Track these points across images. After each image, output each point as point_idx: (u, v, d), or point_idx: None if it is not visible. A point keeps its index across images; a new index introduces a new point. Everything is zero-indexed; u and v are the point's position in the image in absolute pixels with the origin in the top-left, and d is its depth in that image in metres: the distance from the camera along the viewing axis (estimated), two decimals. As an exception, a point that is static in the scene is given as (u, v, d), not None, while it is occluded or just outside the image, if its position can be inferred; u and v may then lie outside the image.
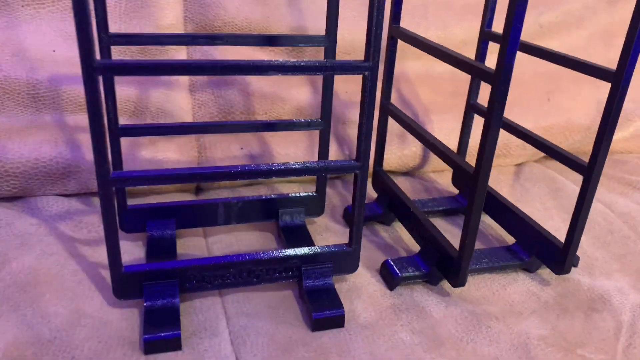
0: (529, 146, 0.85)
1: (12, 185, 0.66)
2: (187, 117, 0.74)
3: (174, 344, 0.46)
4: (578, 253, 0.63)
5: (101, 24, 0.51)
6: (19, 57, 0.67)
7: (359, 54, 0.80)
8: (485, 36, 0.67)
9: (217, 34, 0.60)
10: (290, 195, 0.63)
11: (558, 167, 0.87)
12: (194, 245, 0.61)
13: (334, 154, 0.76)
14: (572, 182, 0.81)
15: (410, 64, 0.82)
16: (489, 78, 0.46)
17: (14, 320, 0.48)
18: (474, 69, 0.48)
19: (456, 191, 0.75)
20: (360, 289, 0.55)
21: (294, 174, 0.48)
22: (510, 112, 0.81)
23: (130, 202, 0.61)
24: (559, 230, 0.69)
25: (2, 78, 0.66)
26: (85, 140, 0.68)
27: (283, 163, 0.47)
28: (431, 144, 0.57)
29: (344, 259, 0.54)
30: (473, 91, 0.70)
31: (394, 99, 0.80)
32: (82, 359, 0.44)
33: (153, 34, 0.65)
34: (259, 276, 0.52)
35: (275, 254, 0.52)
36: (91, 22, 0.39)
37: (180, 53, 0.74)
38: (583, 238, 0.67)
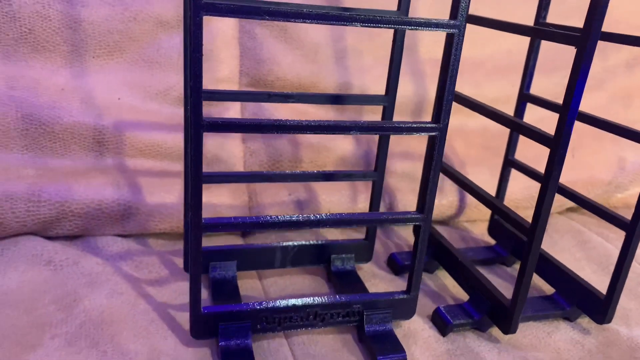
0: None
1: (75, 224, 0.69)
2: (238, 164, 0.78)
3: (250, 383, 0.49)
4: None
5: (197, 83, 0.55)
6: (87, 104, 0.71)
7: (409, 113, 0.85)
8: (524, 98, 0.72)
9: (288, 93, 0.64)
10: (341, 241, 0.67)
11: (581, 219, 0.91)
12: (251, 287, 0.64)
13: (375, 202, 0.80)
14: (596, 234, 0.85)
15: (445, 119, 0.88)
16: (548, 142, 0.50)
17: (94, 357, 0.50)
18: (534, 134, 0.53)
19: (492, 241, 0.79)
20: (416, 335, 0.58)
21: (359, 223, 0.52)
22: (537, 167, 0.87)
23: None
24: (591, 280, 0.72)
25: (71, 123, 0.70)
26: (145, 183, 0.72)
27: (348, 214, 0.51)
28: (483, 197, 0.61)
29: (402, 306, 0.57)
30: (511, 148, 0.75)
31: (430, 151, 0.85)
32: (168, 396, 0.46)
33: (233, 91, 0.71)
34: (324, 319, 0.55)
35: (340, 299, 0.55)
36: (201, 88, 0.43)
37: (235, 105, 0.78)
38: (616, 289, 0.71)
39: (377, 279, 0.68)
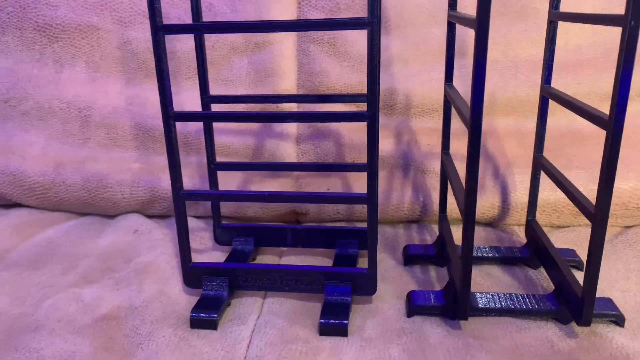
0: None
1: (163, 206, 0.90)
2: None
3: (211, 324, 0.60)
4: (634, 315, 0.60)
5: (203, 88, 0.71)
6: (179, 115, 0.92)
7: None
8: (545, 92, 0.69)
9: (283, 95, 0.76)
10: (345, 227, 0.74)
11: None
12: (268, 261, 0.76)
13: (408, 199, 0.84)
14: (681, 248, 0.73)
15: (500, 119, 0.86)
16: (467, 124, 0.52)
17: (124, 293, 0.68)
18: (462, 115, 0.54)
19: (527, 243, 0.76)
20: (379, 311, 0.63)
21: (305, 201, 0.60)
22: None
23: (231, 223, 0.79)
24: (627, 291, 0.65)
25: (166, 129, 0.91)
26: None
27: (297, 192, 0.60)
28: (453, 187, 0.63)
29: (363, 281, 0.62)
30: (538, 145, 0.72)
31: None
32: (147, 321, 0.61)
33: (237, 95, 0.84)
34: (289, 284, 0.64)
35: (303, 268, 0.63)
36: (169, 87, 0.58)
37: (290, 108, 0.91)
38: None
39: (379, 264, 0.73)
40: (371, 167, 0.57)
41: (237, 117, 0.60)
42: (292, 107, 0.91)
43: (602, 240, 0.52)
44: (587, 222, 0.82)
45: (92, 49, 0.93)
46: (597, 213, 0.52)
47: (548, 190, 0.80)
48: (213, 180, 0.75)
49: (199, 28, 0.56)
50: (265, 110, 0.90)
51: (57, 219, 0.91)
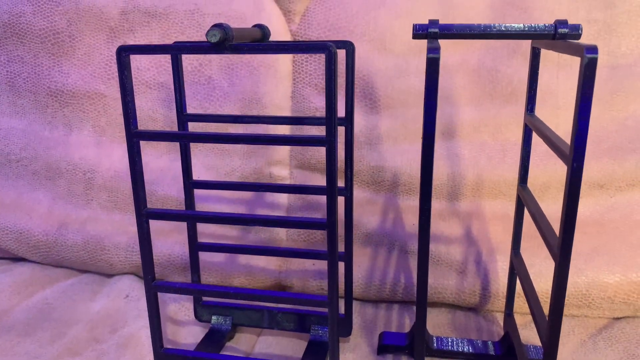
0: (633, 300, 0.78)
1: (155, 271, 0.93)
2: (282, 232, 0.92)
3: (174, 415, 0.63)
4: None
5: (185, 172, 0.74)
6: (175, 180, 0.95)
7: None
8: (519, 192, 0.69)
9: (259, 183, 0.81)
10: (319, 312, 0.75)
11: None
12: (245, 339, 0.77)
13: (390, 280, 0.84)
14: (666, 352, 0.71)
15: (486, 202, 0.86)
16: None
17: (102, 369, 0.71)
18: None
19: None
20: (339, 410, 0.63)
21: (277, 301, 0.61)
22: (592, 261, 0.78)
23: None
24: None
25: (162, 195, 0.95)
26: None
27: (270, 291, 0.61)
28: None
29: (323, 380, 0.63)
30: (515, 241, 0.71)
31: (462, 235, 0.85)
32: (115, 408, 0.64)
33: (218, 182, 0.83)
34: (253, 378, 0.65)
35: (267, 362, 0.64)
36: (143, 187, 0.61)
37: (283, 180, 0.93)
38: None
39: (350, 353, 0.73)
40: (331, 273, 0.58)
41: (206, 217, 0.62)
42: (284, 177, 0.93)
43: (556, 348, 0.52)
44: (574, 312, 0.80)
45: (99, 115, 0.98)
46: (546, 338, 0.51)
47: (534, 282, 0.79)
48: (194, 261, 0.78)
49: (164, 135, 0.58)
50: (257, 181, 0.93)
51: (57, 276, 0.96)
